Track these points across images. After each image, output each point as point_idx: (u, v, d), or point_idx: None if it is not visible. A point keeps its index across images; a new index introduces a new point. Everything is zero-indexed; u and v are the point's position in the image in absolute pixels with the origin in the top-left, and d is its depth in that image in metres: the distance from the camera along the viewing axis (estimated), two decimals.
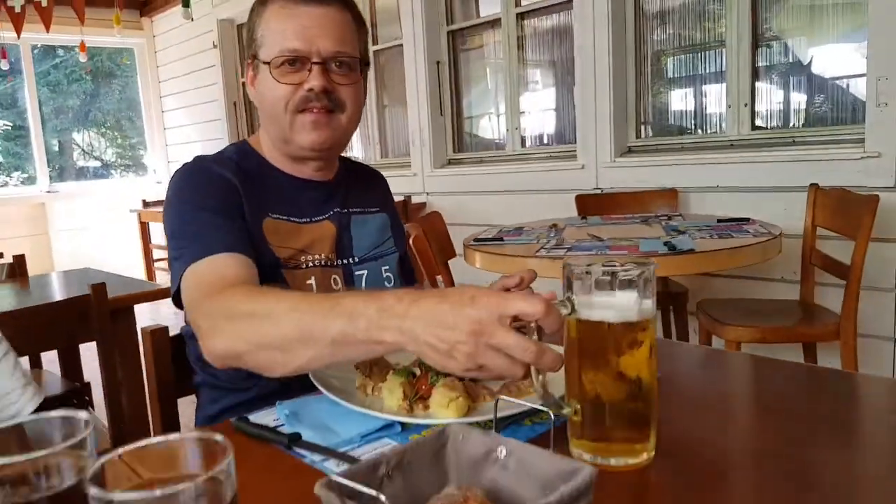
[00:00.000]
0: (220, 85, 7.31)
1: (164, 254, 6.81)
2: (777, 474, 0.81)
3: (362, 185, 1.56)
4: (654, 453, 0.85)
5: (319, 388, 1.06)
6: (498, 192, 4.60)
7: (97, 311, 1.87)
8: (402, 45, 5.14)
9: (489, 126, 5.16)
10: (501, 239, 2.95)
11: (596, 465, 0.71)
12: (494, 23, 4.72)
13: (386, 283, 1.47)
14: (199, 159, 1.39)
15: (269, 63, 1.31)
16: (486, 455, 0.72)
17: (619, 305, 0.83)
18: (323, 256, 1.37)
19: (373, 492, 0.61)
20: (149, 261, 7.44)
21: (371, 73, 1.69)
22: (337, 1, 1.33)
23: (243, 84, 7.29)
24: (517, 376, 0.84)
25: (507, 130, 4.76)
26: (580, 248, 2.48)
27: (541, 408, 0.85)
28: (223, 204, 1.28)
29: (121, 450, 0.55)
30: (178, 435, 0.57)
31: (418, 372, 1.05)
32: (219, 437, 0.55)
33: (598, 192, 3.98)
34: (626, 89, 3.98)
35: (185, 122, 8.18)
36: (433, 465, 0.73)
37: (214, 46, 7.24)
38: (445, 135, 5.13)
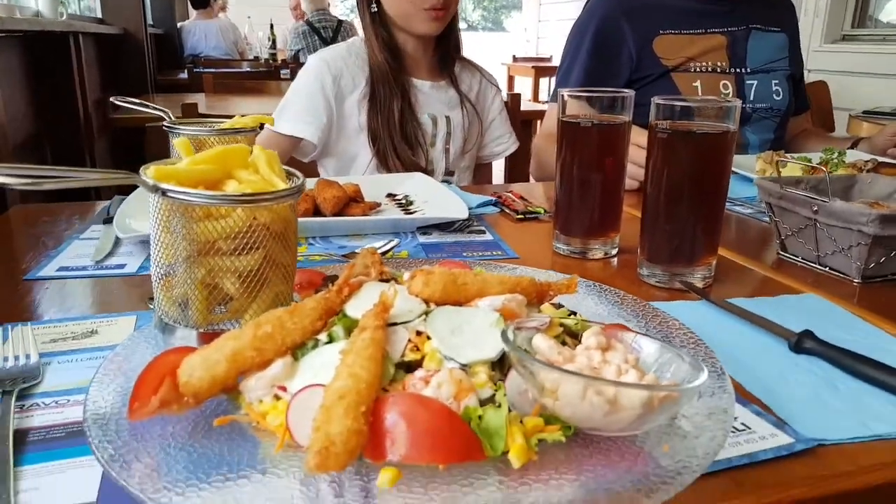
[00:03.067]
0: None
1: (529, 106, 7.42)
2: None
3: (767, 5, 1.71)
4: None
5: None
6: None
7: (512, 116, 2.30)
8: None
9: None
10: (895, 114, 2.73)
11: None
12: None
13: (775, 95, 1.62)
14: None
15: None
16: (890, 194, 0.89)
17: None
18: (714, 64, 1.59)
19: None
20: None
21: None
22: None
23: None
24: None
25: None
26: None
27: None
28: (598, 43, 1.60)
29: None
30: None
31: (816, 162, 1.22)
32: None
33: None
34: None
35: None
36: (843, 194, 0.91)
37: None
38: (846, 6, 4.60)
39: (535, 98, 7.17)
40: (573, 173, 0.90)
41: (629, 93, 0.87)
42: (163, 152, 0.97)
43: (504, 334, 0.46)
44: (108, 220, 1.03)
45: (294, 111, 1.44)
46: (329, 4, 6.20)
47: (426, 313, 0.51)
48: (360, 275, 0.58)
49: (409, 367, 0.47)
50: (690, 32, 1.59)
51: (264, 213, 0.54)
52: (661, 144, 0.77)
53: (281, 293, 0.57)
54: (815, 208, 0.81)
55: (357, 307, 0.52)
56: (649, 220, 0.81)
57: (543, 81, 7.41)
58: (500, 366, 0.48)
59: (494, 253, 0.94)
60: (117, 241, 0.96)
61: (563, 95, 0.89)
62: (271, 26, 7.03)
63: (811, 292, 0.79)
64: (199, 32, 6.17)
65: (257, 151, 0.58)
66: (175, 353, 0.51)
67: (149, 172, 0.53)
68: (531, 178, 1.79)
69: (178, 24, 6.13)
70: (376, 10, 1.48)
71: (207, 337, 0.55)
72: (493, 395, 0.45)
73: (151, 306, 0.68)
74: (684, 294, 0.77)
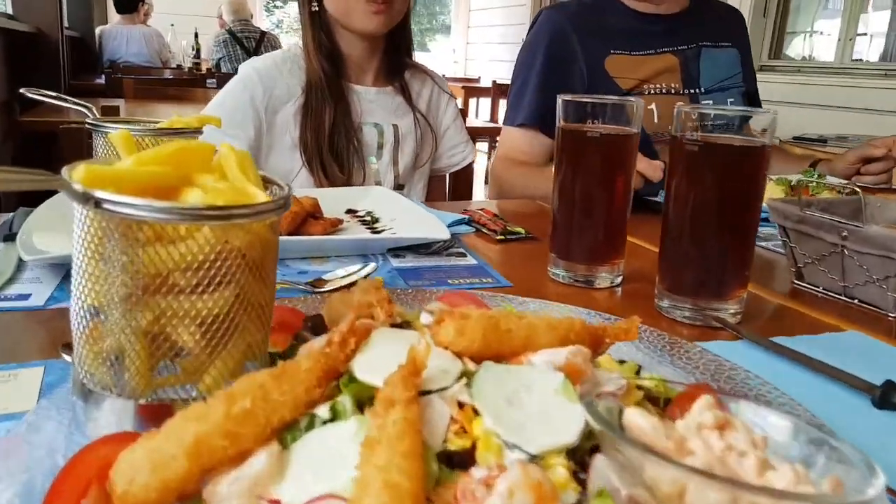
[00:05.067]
0: None
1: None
2: None
3: (715, 19, 1.66)
4: None
5: None
6: (813, 106, 4.24)
7: None
8: None
9: (812, 38, 4.71)
10: (825, 141, 2.80)
11: None
12: None
13: None
14: (552, 10, 1.59)
15: None
16: None
17: None
18: (668, 86, 1.53)
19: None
20: None
21: None
22: None
23: None
24: None
25: (840, 41, 4.31)
26: None
27: None
28: (550, 61, 1.52)
29: None
30: None
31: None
32: None
33: None
34: None
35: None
36: (852, 217, 0.84)
37: None
38: (763, 39, 4.77)
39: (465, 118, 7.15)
40: (575, 191, 0.79)
41: (637, 100, 0.77)
42: (79, 160, 0.80)
43: (592, 408, 0.33)
44: (10, 238, 0.85)
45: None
46: (252, 16, 5.98)
47: (465, 374, 0.38)
48: (362, 317, 0.44)
49: (453, 458, 0.34)
50: (641, 53, 1.53)
51: (239, 234, 0.39)
52: (687, 159, 0.67)
53: (253, 344, 0.42)
54: (845, 234, 0.73)
55: (368, 366, 0.38)
56: (670, 246, 0.70)
57: (473, 101, 7.41)
58: (573, 452, 0.35)
59: (484, 280, 0.81)
60: (21, 265, 0.78)
61: (562, 100, 0.78)
62: (196, 35, 6.72)
63: (841, 326, 0.70)
64: (120, 38, 5.81)
65: (226, 150, 0.43)
66: (106, 444, 0.35)
67: (77, 174, 0.38)
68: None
69: (98, 28, 5.76)
70: (317, 8, 1.33)
71: (150, 411, 0.40)
72: (580, 501, 0.32)
73: (67, 357, 0.51)
74: (713, 332, 0.67)
